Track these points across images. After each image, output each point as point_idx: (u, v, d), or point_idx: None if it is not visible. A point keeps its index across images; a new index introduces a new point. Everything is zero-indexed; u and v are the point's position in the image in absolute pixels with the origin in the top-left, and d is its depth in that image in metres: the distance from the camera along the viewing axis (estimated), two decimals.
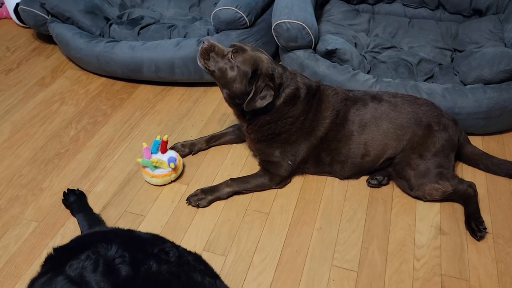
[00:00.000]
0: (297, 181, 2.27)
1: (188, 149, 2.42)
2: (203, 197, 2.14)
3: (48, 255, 1.40)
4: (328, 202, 2.16)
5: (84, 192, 2.19)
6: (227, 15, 2.74)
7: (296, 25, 2.53)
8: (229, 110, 2.31)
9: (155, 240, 1.50)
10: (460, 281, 1.82)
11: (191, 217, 2.10)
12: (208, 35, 2.93)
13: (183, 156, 2.39)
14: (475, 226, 1.97)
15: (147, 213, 2.11)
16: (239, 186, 2.17)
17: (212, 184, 2.21)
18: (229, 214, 2.11)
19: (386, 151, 2.15)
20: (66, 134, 2.59)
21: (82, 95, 2.92)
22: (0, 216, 2.10)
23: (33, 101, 2.86)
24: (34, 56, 3.32)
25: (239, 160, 2.40)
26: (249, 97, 1.99)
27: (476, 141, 2.44)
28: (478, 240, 1.96)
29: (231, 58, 2.00)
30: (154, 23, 3.10)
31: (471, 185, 2.11)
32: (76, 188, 2.19)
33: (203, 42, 2.03)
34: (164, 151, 2.26)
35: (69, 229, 2.04)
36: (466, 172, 2.30)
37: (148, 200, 2.17)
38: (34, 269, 1.83)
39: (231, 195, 2.18)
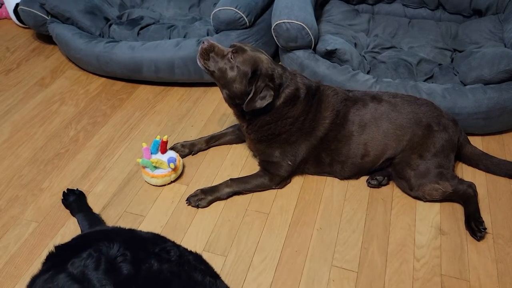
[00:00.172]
0: (297, 181, 2.27)
1: (188, 149, 2.42)
2: (203, 198, 2.14)
3: (49, 253, 1.41)
4: (328, 203, 2.16)
5: (84, 193, 2.19)
6: (226, 15, 2.74)
7: (296, 25, 2.53)
8: (229, 110, 2.31)
9: (156, 240, 1.51)
10: (460, 281, 1.82)
11: (191, 217, 2.09)
12: (208, 35, 2.93)
13: (183, 156, 2.39)
14: (475, 226, 1.97)
15: (147, 213, 2.11)
16: (239, 187, 2.17)
17: (212, 185, 2.21)
18: (229, 214, 2.11)
19: (386, 151, 2.15)
20: (66, 134, 2.59)
21: (82, 95, 2.92)
22: (0, 217, 2.10)
23: (33, 101, 2.86)
24: (34, 57, 3.32)
25: (239, 161, 2.40)
26: (249, 97, 1.99)
27: (476, 141, 2.45)
28: (478, 240, 1.96)
29: (231, 58, 2.00)
30: (153, 23, 3.10)
31: (471, 185, 2.11)
32: (75, 188, 2.19)
33: (203, 42, 2.03)
34: (164, 151, 2.26)
35: (69, 229, 2.04)
36: (466, 172, 2.30)
37: (148, 201, 2.17)
38: (34, 269, 1.82)
39: (231, 196, 2.18)
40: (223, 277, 1.57)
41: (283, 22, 2.55)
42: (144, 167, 2.21)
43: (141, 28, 3.03)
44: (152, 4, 3.40)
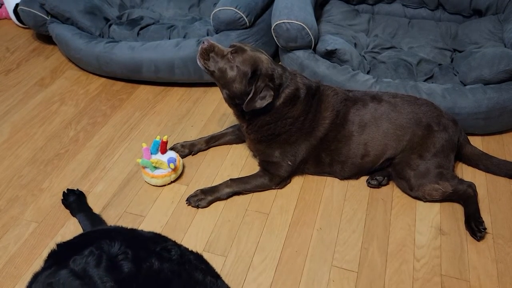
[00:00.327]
0: (297, 182, 2.27)
1: (188, 149, 2.42)
2: (203, 198, 2.14)
3: (51, 251, 1.42)
4: (328, 203, 2.16)
5: (84, 193, 2.19)
6: (226, 15, 2.74)
7: (295, 25, 2.53)
8: (229, 111, 2.31)
9: (157, 239, 1.52)
10: (460, 282, 1.82)
11: (191, 217, 2.09)
12: (207, 35, 2.93)
13: (182, 156, 2.39)
14: (475, 226, 1.97)
15: (147, 213, 2.11)
16: (239, 187, 2.17)
17: (212, 185, 2.21)
18: (229, 214, 2.11)
19: (386, 151, 2.15)
20: (66, 134, 2.59)
21: (82, 95, 2.92)
22: (0, 217, 2.10)
23: (33, 101, 2.86)
24: (33, 57, 3.32)
25: (239, 161, 2.40)
26: (248, 98, 1.99)
27: (476, 141, 2.45)
28: (478, 240, 1.96)
29: (231, 58, 2.00)
30: (153, 23, 3.10)
31: (471, 186, 2.11)
32: (76, 189, 2.19)
33: (203, 42, 2.03)
34: (163, 151, 2.26)
35: (69, 229, 2.04)
36: (466, 172, 2.30)
37: (148, 201, 2.17)
38: (34, 269, 1.80)
39: (231, 196, 2.18)
40: (223, 277, 1.57)
41: (283, 22, 2.55)
42: (144, 167, 2.21)
43: (141, 28, 3.03)
44: (152, 4, 3.40)
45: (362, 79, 2.49)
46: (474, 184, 2.13)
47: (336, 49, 2.56)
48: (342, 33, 2.89)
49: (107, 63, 2.89)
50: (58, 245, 1.44)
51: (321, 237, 2.00)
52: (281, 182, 2.21)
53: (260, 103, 2.00)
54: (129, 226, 2.00)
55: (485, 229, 1.97)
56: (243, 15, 2.75)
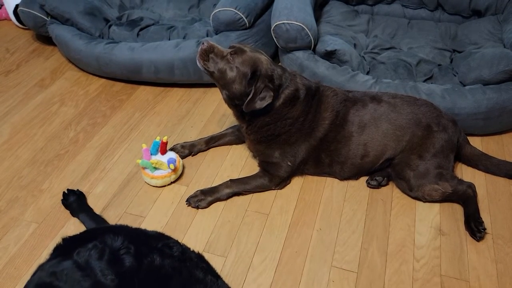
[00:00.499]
0: (296, 182, 2.27)
1: (188, 150, 2.43)
2: (203, 198, 2.14)
3: (57, 244, 1.46)
4: (328, 203, 2.16)
5: (84, 193, 2.19)
6: (226, 16, 2.75)
7: (295, 26, 2.54)
8: (229, 111, 2.32)
9: (160, 236, 1.56)
10: (459, 282, 1.82)
11: (190, 218, 2.10)
12: (207, 36, 2.93)
13: (182, 157, 2.39)
14: (475, 227, 1.97)
15: (147, 214, 2.11)
16: (238, 187, 2.17)
17: (212, 185, 2.21)
18: (229, 215, 2.11)
19: (386, 152, 2.15)
20: (66, 135, 2.60)
21: (82, 96, 2.92)
22: (0, 218, 2.10)
23: (33, 102, 2.87)
24: (33, 58, 3.32)
25: (238, 161, 2.40)
26: (248, 98, 1.99)
27: (476, 142, 2.45)
28: (478, 240, 1.96)
29: (231, 59, 2.00)
30: (153, 24, 3.10)
31: (471, 186, 2.11)
32: (76, 189, 2.19)
33: (203, 43, 2.04)
34: (163, 152, 2.26)
35: (69, 230, 2.04)
36: (465, 172, 2.31)
37: (148, 201, 2.18)
38: (33, 270, 1.82)
39: (231, 196, 2.18)
40: (223, 278, 1.57)
41: (283, 23, 2.55)
42: (144, 168, 2.21)
43: (141, 29, 3.03)
44: (152, 5, 3.40)
45: (362, 80, 2.49)
46: (473, 185, 2.13)
47: (335, 50, 2.56)
48: (341, 33, 2.89)
49: (107, 64, 2.89)
50: (64, 239, 1.48)
51: (321, 237, 2.01)
52: (281, 182, 2.22)
53: (260, 104, 2.00)
54: None
55: (484, 229, 1.97)
56: (242, 16, 2.75)
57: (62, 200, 2.15)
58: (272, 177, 2.19)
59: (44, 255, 1.88)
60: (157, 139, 2.26)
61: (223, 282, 1.52)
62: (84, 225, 2.01)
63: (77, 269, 1.32)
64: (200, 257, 1.56)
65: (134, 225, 2.04)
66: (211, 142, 2.47)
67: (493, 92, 2.34)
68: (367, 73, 2.63)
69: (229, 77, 2.00)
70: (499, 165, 2.25)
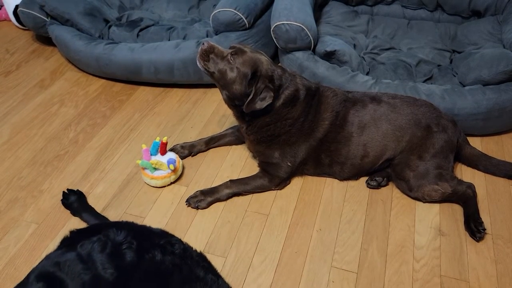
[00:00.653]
0: (296, 183, 2.27)
1: (188, 150, 2.43)
2: (203, 199, 2.14)
3: (64, 237, 1.54)
4: (328, 204, 2.16)
5: (84, 193, 2.19)
6: (226, 16, 2.75)
7: (295, 26, 2.54)
8: (229, 112, 2.32)
9: (164, 234, 1.59)
10: (459, 282, 1.82)
11: (190, 218, 2.10)
12: (207, 36, 2.93)
13: (182, 157, 2.39)
14: (474, 227, 1.97)
15: (147, 214, 2.11)
16: (238, 188, 2.18)
17: (212, 186, 2.21)
18: (229, 215, 2.11)
19: (385, 152, 2.15)
20: (66, 136, 2.60)
21: (82, 97, 2.92)
22: (0, 218, 2.10)
23: (33, 103, 2.87)
24: (33, 58, 3.32)
25: (238, 162, 2.40)
26: (248, 99, 1.99)
27: (475, 142, 2.45)
28: (478, 241, 1.97)
29: (231, 59, 2.00)
30: (153, 25, 3.10)
31: (470, 186, 2.11)
32: (76, 189, 2.19)
33: (203, 44, 2.04)
34: (163, 152, 2.26)
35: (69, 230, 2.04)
36: (465, 173, 2.31)
37: (148, 202, 2.18)
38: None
39: (231, 197, 2.18)
40: (223, 278, 1.57)
41: (283, 23, 2.55)
42: (144, 168, 2.22)
43: (141, 30, 3.03)
44: (152, 6, 3.40)
45: (362, 80, 2.49)
46: (473, 185, 2.13)
47: (335, 50, 2.56)
48: (341, 34, 2.89)
49: (106, 65, 2.89)
50: (71, 232, 1.55)
51: (321, 238, 2.01)
52: (281, 183, 2.22)
53: (260, 104, 2.00)
54: None
55: (484, 229, 1.97)
56: (242, 17, 2.75)
57: (62, 200, 2.15)
58: (272, 177, 2.19)
59: (44, 255, 1.88)
60: (157, 139, 2.26)
61: (224, 281, 1.53)
62: (88, 224, 2.01)
63: (79, 261, 1.37)
64: (201, 256, 1.57)
65: None
66: (211, 142, 2.47)
67: (493, 92, 2.35)
68: (367, 74, 2.63)
69: (230, 77, 2.01)
70: (498, 166, 2.25)
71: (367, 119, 2.15)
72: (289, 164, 2.17)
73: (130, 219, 2.08)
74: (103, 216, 2.05)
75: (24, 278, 1.41)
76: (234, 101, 2.08)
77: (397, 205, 2.15)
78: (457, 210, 2.11)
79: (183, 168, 2.35)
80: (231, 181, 2.19)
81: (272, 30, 2.63)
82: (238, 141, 2.48)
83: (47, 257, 1.44)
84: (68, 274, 1.35)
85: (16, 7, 3.38)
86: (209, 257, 1.87)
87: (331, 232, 2.03)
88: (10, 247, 1.97)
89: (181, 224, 2.07)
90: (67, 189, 2.18)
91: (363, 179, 2.27)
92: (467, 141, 2.31)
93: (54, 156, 2.45)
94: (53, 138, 2.58)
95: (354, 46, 2.84)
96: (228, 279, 1.83)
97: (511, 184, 2.24)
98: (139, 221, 2.07)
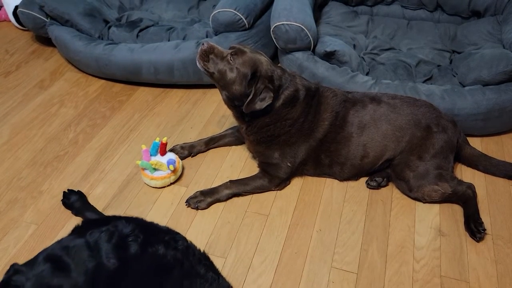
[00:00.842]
0: (296, 183, 2.27)
1: (187, 151, 2.42)
2: (203, 199, 2.14)
3: (76, 225, 1.64)
4: (328, 204, 2.16)
5: (84, 194, 2.19)
6: (226, 17, 2.75)
7: (295, 27, 2.54)
8: (228, 112, 2.32)
9: (169, 231, 1.64)
10: (459, 283, 1.82)
11: (190, 219, 2.10)
12: (207, 37, 2.93)
13: (182, 158, 2.39)
14: (475, 227, 1.97)
15: (147, 215, 2.11)
16: (238, 188, 2.17)
17: (212, 186, 2.21)
18: (229, 216, 2.11)
19: (385, 152, 2.15)
20: (65, 136, 2.59)
21: (81, 97, 2.92)
22: (0, 219, 2.11)
23: (32, 103, 2.86)
24: (33, 59, 3.32)
25: (238, 162, 2.40)
26: (248, 99, 1.99)
27: (475, 143, 2.45)
28: (478, 241, 1.97)
29: (231, 60, 2.00)
30: (153, 25, 3.10)
31: (470, 186, 2.11)
32: (76, 190, 2.19)
33: (203, 44, 2.04)
34: (163, 153, 2.26)
35: (69, 231, 2.03)
36: (465, 173, 2.31)
37: (148, 202, 2.17)
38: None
39: (231, 197, 2.18)
40: None
41: (282, 24, 2.55)
42: (144, 169, 2.21)
43: (140, 30, 3.03)
44: (151, 6, 3.40)
45: (361, 81, 2.49)
46: (473, 185, 2.13)
47: (335, 51, 2.56)
48: (341, 34, 2.89)
49: (106, 65, 2.89)
50: (83, 221, 1.66)
51: (321, 238, 2.00)
52: (281, 183, 2.22)
53: (259, 105, 2.00)
54: None
55: (484, 230, 1.97)
56: (242, 17, 2.75)
57: (63, 200, 2.15)
58: (271, 178, 2.19)
59: None
60: (157, 140, 2.26)
61: (224, 280, 1.55)
62: None
63: (86, 248, 1.46)
64: (204, 255, 1.60)
65: None
66: (211, 143, 2.47)
67: (493, 92, 2.35)
68: (367, 74, 2.63)
69: (229, 78, 2.00)
70: (498, 166, 2.25)
71: (367, 120, 2.15)
72: (289, 164, 2.17)
73: None
74: (105, 215, 2.04)
75: (34, 257, 1.49)
76: (233, 102, 2.08)
77: (397, 205, 2.15)
78: (457, 211, 2.11)
79: (183, 168, 2.34)
80: (231, 181, 2.19)
81: (272, 31, 2.63)
82: (238, 141, 2.48)
83: (59, 241, 1.53)
84: (74, 259, 1.43)
85: (16, 7, 3.38)
86: None
87: (331, 232, 2.03)
88: (9, 248, 1.97)
89: (181, 225, 2.07)
90: (68, 189, 2.18)
91: (363, 180, 2.27)
92: (467, 141, 2.31)
93: (54, 156, 2.45)
94: (53, 138, 2.58)
95: (354, 46, 2.84)
96: (228, 279, 1.81)
97: (511, 184, 2.24)
98: None
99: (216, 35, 2.89)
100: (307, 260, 1.92)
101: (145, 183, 2.26)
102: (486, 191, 2.21)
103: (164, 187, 2.25)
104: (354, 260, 1.91)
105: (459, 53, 2.77)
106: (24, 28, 3.56)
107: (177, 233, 1.63)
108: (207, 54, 2.03)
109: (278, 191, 2.23)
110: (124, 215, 2.10)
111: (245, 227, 2.06)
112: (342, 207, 2.15)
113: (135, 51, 2.82)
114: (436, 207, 2.13)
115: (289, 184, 2.26)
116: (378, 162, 2.18)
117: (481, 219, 2.01)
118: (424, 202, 2.14)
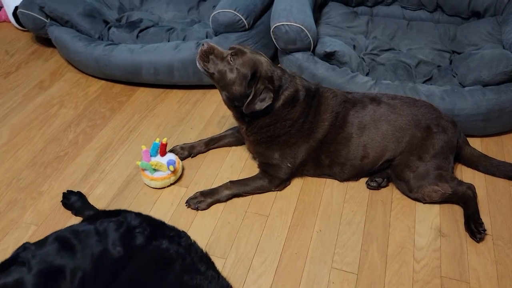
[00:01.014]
0: (296, 184, 2.27)
1: (187, 151, 2.42)
2: (203, 200, 2.14)
3: (87, 215, 1.79)
4: (328, 205, 2.16)
5: (84, 194, 2.19)
6: (226, 17, 2.75)
7: (294, 27, 2.54)
8: (228, 113, 2.32)
9: (175, 229, 1.72)
10: (460, 283, 1.82)
11: (190, 219, 2.09)
12: (207, 37, 2.93)
13: (182, 159, 2.39)
14: (475, 228, 1.97)
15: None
16: (238, 189, 2.17)
17: (212, 187, 2.21)
18: (229, 216, 2.11)
19: (385, 153, 2.15)
20: (65, 137, 2.59)
21: (81, 98, 2.92)
22: None
23: (32, 104, 2.86)
24: (33, 59, 3.32)
25: (238, 163, 2.40)
26: (248, 100, 1.99)
27: (475, 143, 2.45)
28: (478, 241, 1.96)
29: (231, 60, 2.00)
30: (153, 26, 3.11)
31: (470, 187, 2.11)
32: (76, 191, 2.19)
33: (203, 45, 2.04)
34: (163, 154, 2.26)
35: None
36: (465, 174, 2.31)
37: (148, 203, 2.17)
38: None
39: (231, 198, 2.18)
40: None
41: (282, 24, 2.55)
42: (144, 169, 2.21)
43: (140, 31, 3.03)
44: (151, 7, 3.40)
45: (361, 81, 2.49)
46: (473, 186, 2.13)
47: (335, 51, 2.56)
48: (341, 35, 2.89)
49: (106, 66, 2.89)
50: (95, 212, 1.80)
51: (321, 239, 2.00)
52: (281, 184, 2.21)
53: (259, 105, 2.00)
54: None
55: (484, 230, 1.97)
56: (242, 18, 2.75)
57: (63, 200, 2.15)
58: (272, 178, 2.19)
59: None
60: (157, 140, 2.26)
61: (224, 279, 1.56)
62: None
63: (95, 233, 1.54)
64: (205, 254, 1.64)
65: None
66: (211, 143, 2.47)
67: (493, 93, 2.35)
68: (367, 75, 2.63)
69: (229, 78, 2.00)
70: (498, 166, 2.25)
71: (367, 120, 2.15)
72: (289, 165, 2.17)
73: None
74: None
75: (45, 237, 1.56)
76: (233, 102, 2.08)
77: (397, 206, 2.15)
78: (457, 211, 2.11)
79: (183, 169, 2.34)
80: (231, 182, 2.19)
81: (272, 31, 2.63)
82: (238, 142, 2.48)
83: (70, 226, 1.62)
84: (82, 242, 1.51)
85: (16, 8, 3.38)
86: None
87: (331, 233, 2.03)
88: (9, 249, 1.97)
89: (181, 225, 2.05)
90: (67, 190, 2.18)
91: (363, 180, 2.26)
92: (467, 141, 2.31)
93: (54, 157, 2.45)
94: (53, 139, 2.58)
95: (354, 47, 2.84)
96: (228, 280, 1.82)
97: (511, 185, 2.24)
98: None
99: (216, 35, 2.89)
100: (307, 260, 1.92)
101: (145, 183, 2.26)
102: (486, 191, 2.21)
103: (164, 187, 2.24)
104: (354, 261, 1.91)
105: (459, 53, 2.77)
106: (24, 29, 3.56)
107: (183, 231, 1.68)
108: (207, 55, 2.03)
109: (278, 191, 2.23)
110: None
111: (245, 227, 2.06)
112: (342, 208, 2.14)
113: (135, 52, 2.82)
114: (436, 207, 2.13)
115: (289, 184, 2.26)
116: (378, 162, 2.18)
117: (481, 219, 2.01)
118: (424, 203, 2.14)
